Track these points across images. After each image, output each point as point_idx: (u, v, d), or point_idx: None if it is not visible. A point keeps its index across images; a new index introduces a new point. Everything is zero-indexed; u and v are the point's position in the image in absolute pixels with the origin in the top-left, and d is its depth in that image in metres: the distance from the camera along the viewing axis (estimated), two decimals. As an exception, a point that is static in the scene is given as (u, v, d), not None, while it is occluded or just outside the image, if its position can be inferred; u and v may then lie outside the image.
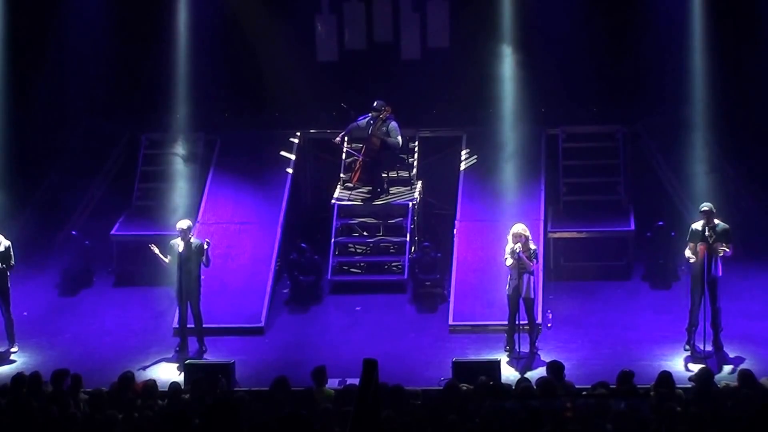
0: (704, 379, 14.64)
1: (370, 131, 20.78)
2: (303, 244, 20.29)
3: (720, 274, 17.27)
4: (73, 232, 20.99)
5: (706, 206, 17.37)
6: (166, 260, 17.91)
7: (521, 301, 17.53)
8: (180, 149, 21.56)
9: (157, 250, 17.90)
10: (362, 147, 20.96)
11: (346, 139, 21.21)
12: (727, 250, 17.14)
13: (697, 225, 17.35)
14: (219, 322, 18.62)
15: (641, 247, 20.38)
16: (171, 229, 18.67)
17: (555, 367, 15.13)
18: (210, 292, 18.58)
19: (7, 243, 18.12)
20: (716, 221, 17.32)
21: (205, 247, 17.89)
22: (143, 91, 22.16)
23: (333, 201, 20.88)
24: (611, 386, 14.40)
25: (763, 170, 21.19)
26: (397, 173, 21.50)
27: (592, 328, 18.52)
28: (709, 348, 17.28)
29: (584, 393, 14.27)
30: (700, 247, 17.19)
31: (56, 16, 22.08)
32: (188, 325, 18.04)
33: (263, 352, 18.16)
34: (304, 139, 22.16)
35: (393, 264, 20.60)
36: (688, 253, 17.35)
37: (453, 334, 18.53)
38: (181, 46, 21.71)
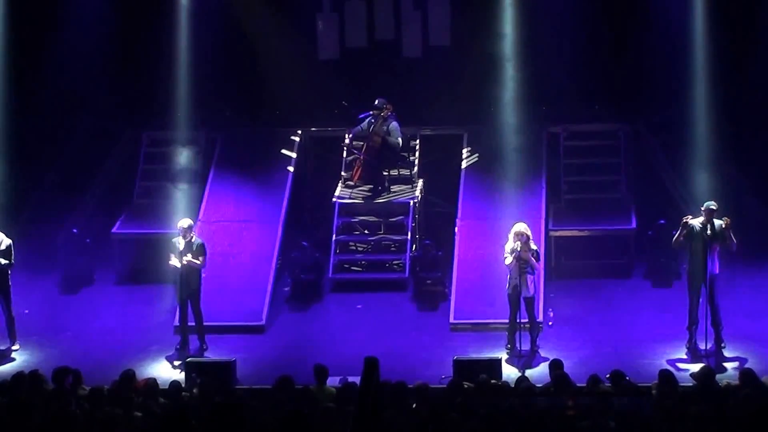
0: (705, 377, 14.62)
1: (371, 129, 20.79)
2: (304, 242, 20.28)
3: (717, 271, 17.29)
4: (74, 230, 20.97)
5: (713, 205, 17.33)
6: (179, 265, 17.82)
7: (522, 299, 17.52)
8: (181, 147, 21.53)
9: (174, 261, 17.78)
10: (363, 145, 20.96)
11: (348, 137, 21.26)
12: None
13: (696, 222, 17.33)
14: (220, 320, 18.61)
15: (642, 246, 20.38)
16: (172, 227, 18.67)
17: (556, 367, 15.12)
18: (211, 290, 18.57)
19: (8, 241, 18.11)
20: (714, 219, 17.34)
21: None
22: (144, 89, 22.11)
23: (334, 199, 20.87)
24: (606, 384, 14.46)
25: (764, 169, 21.17)
26: (398, 171, 21.46)
27: (593, 326, 18.52)
28: (710, 346, 17.29)
29: (585, 391, 14.28)
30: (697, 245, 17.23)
31: (56, 15, 22.03)
32: (189, 323, 18.04)
33: (264, 350, 18.15)
34: (305, 138, 22.15)
35: (394, 262, 20.58)
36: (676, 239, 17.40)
37: (454, 333, 18.54)
38: (182, 44, 21.67)
